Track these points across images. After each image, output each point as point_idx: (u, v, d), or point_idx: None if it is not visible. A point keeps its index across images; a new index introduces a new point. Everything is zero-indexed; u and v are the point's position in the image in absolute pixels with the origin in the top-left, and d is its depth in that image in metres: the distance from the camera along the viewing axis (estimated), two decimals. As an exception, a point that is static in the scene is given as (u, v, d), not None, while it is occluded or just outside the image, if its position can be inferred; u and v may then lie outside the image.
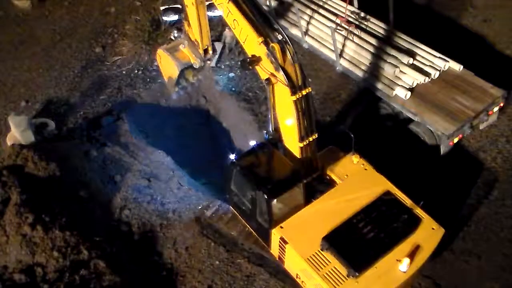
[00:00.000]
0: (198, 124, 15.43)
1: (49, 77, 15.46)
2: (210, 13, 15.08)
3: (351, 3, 14.88)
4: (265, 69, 8.73)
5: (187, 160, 13.68)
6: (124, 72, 15.48)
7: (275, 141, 9.82)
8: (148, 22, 16.17)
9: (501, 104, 12.73)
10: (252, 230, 10.46)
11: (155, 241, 11.39)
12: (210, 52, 11.21)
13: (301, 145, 9.20)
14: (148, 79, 15.28)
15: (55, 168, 11.66)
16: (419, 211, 9.51)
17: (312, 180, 9.82)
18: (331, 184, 10.15)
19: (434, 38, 14.19)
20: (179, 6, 15.02)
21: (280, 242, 9.44)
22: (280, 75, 8.53)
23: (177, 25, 16.01)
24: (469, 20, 15.84)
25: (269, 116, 9.43)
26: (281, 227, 9.45)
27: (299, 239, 9.27)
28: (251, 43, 8.74)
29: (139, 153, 13.23)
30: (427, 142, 12.34)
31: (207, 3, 14.78)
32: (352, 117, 13.22)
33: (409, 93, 12.57)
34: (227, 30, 15.80)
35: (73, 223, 10.83)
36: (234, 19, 8.95)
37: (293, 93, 8.63)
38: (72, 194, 11.52)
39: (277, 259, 10.02)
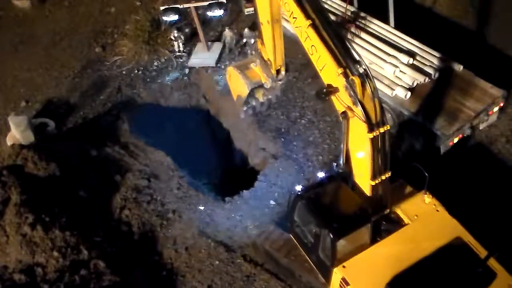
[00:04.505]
0: (198, 124, 15.45)
1: (49, 77, 15.47)
2: (210, 13, 15.13)
3: (351, 3, 14.86)
4: (341, 101, 8.22)
5: (187, 160, 13.69)
6: (124, 72, 15.48)
7: (344, 175, 9.26)
8: (148, 22, 16.16)
9: (501, 104, 12.72)
10: (311, 262, 9.94)
11: (155, 241, 11.40)
12: (283, 72, 10.56)
13: (373, 183, 8.65)
14: (148, 79, 15.29)
15: (55, 168, 11.66)
16: (493, 263, 8.61)
17: (379, 218, 9.24)
18: (398, 223, 9.46)
19: (434, 38, 14.19)
20: (179, 6, 15.01)
21: (341, 282, 8.88)
22: (358, 110, 8.03)
23: (177, 25, 16.04)
24: (469, 20, 15.83)
25: (341, 148, 8.89)
26: (344, 267, 8.87)
27: (361, 282, 8.69)
28: (329, 72, 8.28)
29: (139, 153, 13.24)
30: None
31: (206, 2, 14.91)
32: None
33: (409, 93, 12.56)
34: (227, 30, 15.81)
35: (73, 223, 10.84)
36: (312, 45, 8.42)
37: (371, 130, 8.08)
38: (72, 194, 11.52)
39: None
